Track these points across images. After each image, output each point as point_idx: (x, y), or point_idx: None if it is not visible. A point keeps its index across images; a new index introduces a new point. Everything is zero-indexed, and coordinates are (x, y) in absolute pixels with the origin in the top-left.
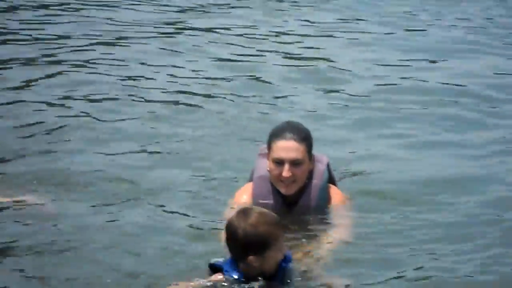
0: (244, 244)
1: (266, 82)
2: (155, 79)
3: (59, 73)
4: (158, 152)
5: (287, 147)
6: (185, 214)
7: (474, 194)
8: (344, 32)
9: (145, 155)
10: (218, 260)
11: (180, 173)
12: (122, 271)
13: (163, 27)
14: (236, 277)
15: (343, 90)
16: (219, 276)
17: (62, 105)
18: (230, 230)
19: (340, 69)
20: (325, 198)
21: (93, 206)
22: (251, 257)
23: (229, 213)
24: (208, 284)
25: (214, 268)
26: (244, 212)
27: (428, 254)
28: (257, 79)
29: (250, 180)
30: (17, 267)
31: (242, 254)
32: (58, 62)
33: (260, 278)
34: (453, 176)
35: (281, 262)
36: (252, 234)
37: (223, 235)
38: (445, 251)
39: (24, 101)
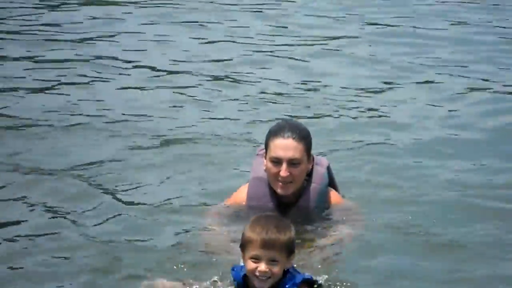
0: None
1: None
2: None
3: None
4: (160, 152)
5: (286, 146)
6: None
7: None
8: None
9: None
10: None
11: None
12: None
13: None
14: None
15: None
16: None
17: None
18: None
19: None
20: (324, 202)
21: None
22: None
23: (220, 210)
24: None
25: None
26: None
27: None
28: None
29: None
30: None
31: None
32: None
33: None
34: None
35: (287, 280)
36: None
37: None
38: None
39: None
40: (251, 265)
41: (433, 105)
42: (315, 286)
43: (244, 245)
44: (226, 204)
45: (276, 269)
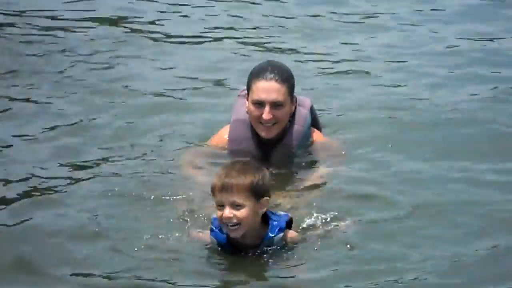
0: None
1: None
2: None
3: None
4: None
5: (268, 88)
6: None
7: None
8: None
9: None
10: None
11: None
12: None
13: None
14: (220, 240)
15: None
16: (204, 236)
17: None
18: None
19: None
20: (307, 144)
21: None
22: (265, 197)
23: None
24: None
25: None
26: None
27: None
28: None
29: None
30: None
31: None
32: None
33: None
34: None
35: (266, 233)
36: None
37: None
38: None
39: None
40: (218, 212)
41: None
42: (299, 230)
43: (212, 192)
44: (207, 145)
45: (241, 214)
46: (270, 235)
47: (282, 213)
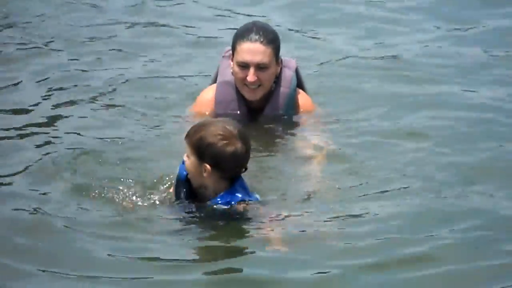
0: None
1: None
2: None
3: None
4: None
5: (253, 50)
6: None
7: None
8: None
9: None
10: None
11: None
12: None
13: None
14: (180, 175)
15: None
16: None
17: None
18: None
19: None
20: (293, 106)
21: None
22: (207, 166)
23: (190, 118)
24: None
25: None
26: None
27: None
28: None
29: (213, 80)
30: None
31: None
32: None
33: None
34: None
35: (222, 196)
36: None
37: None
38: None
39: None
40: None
41: None
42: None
43: None
44: (192, 113)
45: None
46: (218, 200)
47: (254, 193)
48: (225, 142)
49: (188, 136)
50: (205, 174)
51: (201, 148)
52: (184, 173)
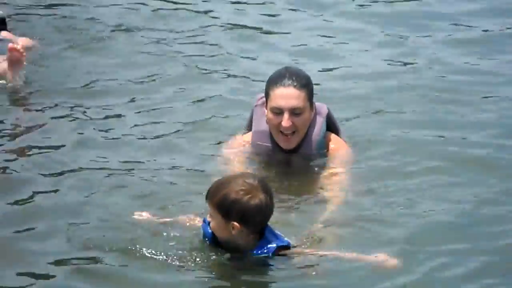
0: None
1: None
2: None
3: None
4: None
5: (287, 95)
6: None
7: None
8: None
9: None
10: None
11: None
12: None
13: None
14: (205, 234)
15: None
16: (193, 222)
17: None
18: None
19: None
20: (323, 149)
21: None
22: (235, 224)
23: (226, 155)
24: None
25: None
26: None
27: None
28: None
29: (247, 128)
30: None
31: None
32: None
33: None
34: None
35: (257, 247)
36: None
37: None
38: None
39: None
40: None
41: None
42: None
43: None
44: (227, 152)
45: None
46: (255, 252)
47: (284, 237)
48: (249, 196)
49: (209, 197)
50: (234, 232)
51: (225, 207)
52: (209, 231)
